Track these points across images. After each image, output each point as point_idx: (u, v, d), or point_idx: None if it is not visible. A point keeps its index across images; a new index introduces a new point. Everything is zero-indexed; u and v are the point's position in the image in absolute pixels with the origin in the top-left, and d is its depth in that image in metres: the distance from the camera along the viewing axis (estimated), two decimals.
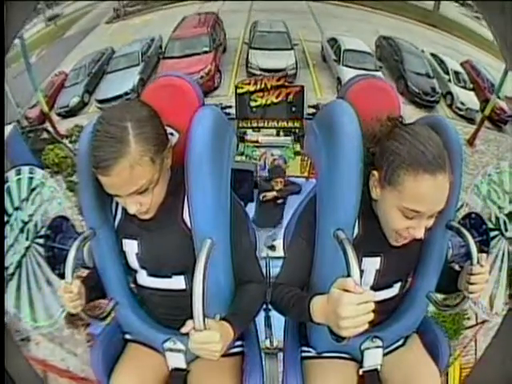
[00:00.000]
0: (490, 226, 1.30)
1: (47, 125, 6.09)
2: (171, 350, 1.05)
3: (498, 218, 1.31)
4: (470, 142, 6.46)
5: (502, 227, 1.29)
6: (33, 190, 1.20)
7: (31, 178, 1.20)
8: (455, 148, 0.94)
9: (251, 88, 4.10)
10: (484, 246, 1.28)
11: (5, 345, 0.99)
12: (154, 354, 1.08)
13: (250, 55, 7.01)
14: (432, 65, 7.32)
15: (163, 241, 0.97)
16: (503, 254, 1.28)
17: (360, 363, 1.07)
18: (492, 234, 1.29)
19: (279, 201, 3.55)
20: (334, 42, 7.31)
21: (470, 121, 6.77)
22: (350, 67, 6.81)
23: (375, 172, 0.89)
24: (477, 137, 6.48)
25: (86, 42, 7.67)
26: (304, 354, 1.12)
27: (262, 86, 4.13)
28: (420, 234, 0.87)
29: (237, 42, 7.48)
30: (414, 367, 1.06)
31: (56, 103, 6.73)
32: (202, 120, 0.94)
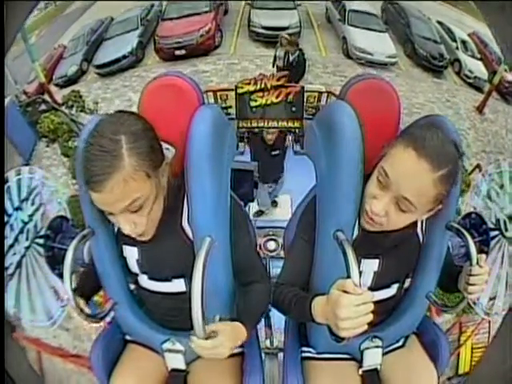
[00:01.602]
0: (490, 225, 1.31)
1: (45, 96, 6.00)
2: (170, 350, 1.05)
3: (498, 218, 1.31)
4: (480, 109, 6.31)
5: (502, 227, 1.29)
6: (33, 190, 1.20)
7: (31, 178, 1.20)
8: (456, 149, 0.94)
9: (251, 88, 4.10)
10: (484, 245, 1.28)
11: (5, 345, 0.99)
12: (154, 354, 1.08)
13: (253, 14, 6.89)
14: (439, 31, 7.19)
15: (163, 248, 0.97)
16: (503, 254, 1.28)
17: (360, 363, 1.07)
18: (492, 233, 1.30)
19: (274, 152, 3.51)
20: (338, 3, 7.14)
21: (478, 89, 6.65)
22: (356, 27, 6.71)
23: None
24: (486, 105, 6.35)
25: (86, 16, 7.51)
26: (304, 354, 1.12)
27: (262, 85, 4.13)
28: (375, 207, 0.85)
29: (239, 4, 7.36)
30: (412, 368, 1.06)
31: (54, 74, 6.55)
32: (202, 119, 0.93)
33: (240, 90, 4.08)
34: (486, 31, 6.98)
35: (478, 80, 6.70)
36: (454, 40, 7.09)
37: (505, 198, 1.30)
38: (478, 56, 6.95)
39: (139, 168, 0.79)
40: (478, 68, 6.79)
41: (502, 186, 1.32)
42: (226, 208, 0.98)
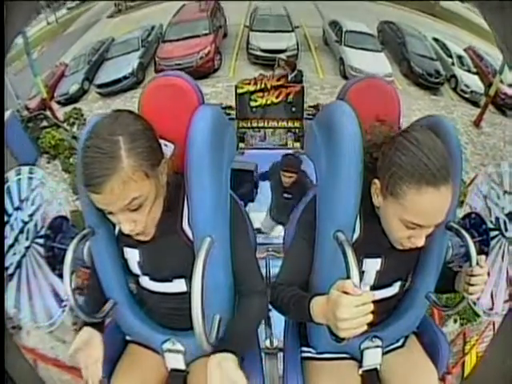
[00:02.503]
0: (490, 225, 1.30)
1: (47, 112, 6.07)
2: (170, 350, 1.05)
3: (498, 218, 1.31)
4: (476, 123, 6.37)
5: (502, 227, 1.29)
6: (33, 190, 1.20)
7: (31, 178, 1.20)
8: (455, 148, 0.94)
9: (251, 88, 4.10)
10: (484, 245, 1.28)
11: (5, 345, 0.99)
12: (154, 354, 1.08)
13: (251, 37, 6.97)
14: (435, 48, 7.27)
15: (164, 250, 0.97)
16: (503, 254, 1.28)
17: (360, 363, 1.07)
18: (492, 233, 1.29)
19: (287, 195, 3.48)
20: (335, 24, 7.27)
21: (475, 104, 6.72)
22: (352, 47, 6.79)
23: (377, 181, 0.88)
24: (482, 119, 6.42)
25: (88, 36, 7.66)
26: (304, 354, 1.12)
27: (262, 86, 4.13)
28: (421, 242, 0.87)
29: (237, 28, 7.47)
30: (412, 368, 1.06)
31: (56, 92, 6.64)
32: (202, 118, 0.93)
33: (240, 90, 4.08)
34: (481, 45, 7.09)
35: (475, 94, 6.77)
36: (450, 56, 7.16)
37: (505, 197, 1.30)
38: (474, 70, 7.03)
39: (138, 168, 0.79)
40: (475, 82, 6.86)
41: (502, 186, 1.32)
42: (226, 208, 0.98)
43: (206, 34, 6.96)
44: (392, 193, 0.84)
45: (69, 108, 6.20)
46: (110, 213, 0.83)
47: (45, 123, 5.73)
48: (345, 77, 6.61)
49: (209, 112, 0.95)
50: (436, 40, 7.44)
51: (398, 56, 7.06)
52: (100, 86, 6.69)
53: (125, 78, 6.60)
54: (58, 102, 6.55)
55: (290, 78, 4.51)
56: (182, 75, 1.02)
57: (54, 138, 5.36)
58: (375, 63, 6.71)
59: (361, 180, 0.91)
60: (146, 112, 1.00)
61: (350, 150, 0.90)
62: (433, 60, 7.08)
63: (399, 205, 0.83)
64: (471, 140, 6.08)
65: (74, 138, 5.49)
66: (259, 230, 3.73)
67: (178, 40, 6.97)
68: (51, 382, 2.90)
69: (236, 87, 4.03)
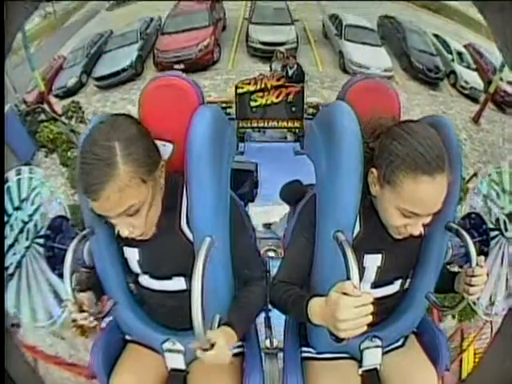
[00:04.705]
0: (490, 226, 1.30)
1: (44, 106, 6.04)
2: (170, 350, 1.06)
3: (498, 218, 1.31)
4: (475, 119, 6.37)
5: (502, 227, 1.29)
6: (33, 190, 1.19)
7: (31, 178, 1.20)
8: (454, 148, 0.94)
9: (251, 88, 4.11)
10: (484, 246, 1.28)
11: (5, 345, 0.99)
12: (154, 354, 1.08)
13: (250, 30, 6.97)
14: (435, 44, 7.27)
15: (163, 249, 0.97)
16: (503, 254, 1.28)
17: (360, 363, 1.08)
18: (492, 234, 1.29)
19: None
20: (335, 18, 7.26)
21: (474, 100, 6.73)
22: (352, 41, 6.78)
23: (374, 170, 0.89)
24: (481, 116, 6.41)
25: (86, 29, 7.60)
26: (304, 354, 1.12)
27: (262, 85, 4.14)
28: (417, 231, 0.88)
29: (237, 21, 7.47)
30: (412, 368, 1.06)
31: (54, 85, 6.60)
32: (202, 118, 0.93)
33: (240, 90, 4.08)
34: (481, 42, 7.11)
35: (474, 91, 6.78)
36: (450, 52, 7.18)
37: (505, 198, 1.30)
38: (474, 67, 7.05)
39: (134, 175, 0.79)
40: (474, 79, 6.88)
41: (502, 186, 1.31)
42: (226, 208, 0.98)
43: (205, 27, 6.93)
44: (389, 181, 0.85)
45: (67, 101, 6.15)
46: (108, 217, 0.83)
47: (43, 117, 5.68)
48: (344, 70, 6.60)
49: (209, 112, 0.95)
50: (436, 36, 7.44)
51: (397, 51, 7.05)
52: (98, 79, 6.64)
53: (123, 70, 6.57)
54: (56, 96, 6.51)
55: (290, 73, 4.51)
56: (182, 75, 1.03)
57: (52, 131, 5.33)
58: (375, 58, 6.70)
59: (361, 179, 0.91)
60: (146, 112, 1.00)
61: (350, 150, 0.90)
62: (433, 55, 7.08)
63: (396, 193, 0.85)
64: (470, 136, 6.07)
65: (73, 131, 5.46)
66: (267, 225, 3.74)
67: (177, 32, 6.92)
68: (51, 380, 2.90)
69: (236, 87, 4.03)
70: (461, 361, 3.03)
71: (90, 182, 0.76)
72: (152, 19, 7.37)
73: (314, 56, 7.02)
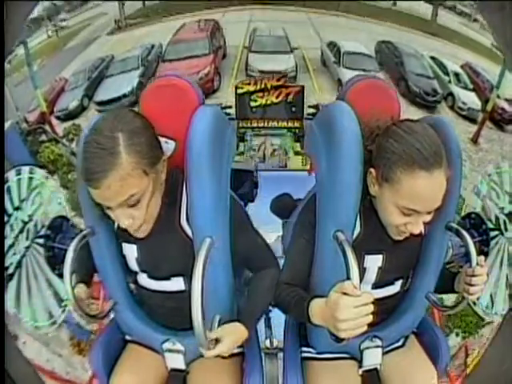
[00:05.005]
0: (490, 225, 1.30)
1: (46, 126, 6.09)
2: (170, 350, 1.05)
3: (497, 218, 1.31)
4: (474, 140, 6.43)
5: (502, 227, 1.29)
6: (33, 189, 1.20)
7: (31, 178, 1.20)
8: (454, 146, 0.94)
9: (251, 88, 4.10)
10: (484, 245, 1.28)
11: (5, 345, 0.99)
12: (154, 354, 1.08)
13: (250, 58, 7.04)
14: (432, 67, 7.38)
15: (162, 246, 0.97)
16: (503, 254, 1.28)
17: (360, 363, 1.07)
18: (492, 233, 1.29)
19: None
20: (333, 45, 7.39)
21: (473, 121, 6.79)
22: (350, 68, 6.83)
23: (372, 170, 0.90)
24: (480, 135, 6.48)
25: (88, 52, 7.75)
26: (304, 355, 1.12)
27: (262, 86, 4.13)
28: (417, 229, 0.87)
29: (237, 49, 7.56)
30: (412, 368, 1.06)
31: (55, 107, 6.70)
32: (202, 118, 0.93)
33: (240, 91, 4.08)
34: (478, 61, 7.15)
35: (472, 111, 6.82)
36: (447, 73, 7.26)
37: (505, 198, 1.30)
38: (471, 87, 7.13)
39: (136, 165, 0.80)
40: (472, 99, 6.93)
41: (501, 186, 1.31)
42: (225, 208, 0.98)
43: (205, 55, 6.99)
44: (387, 179, 0.85)
45: (68, 124, 6.24)
46: (109, 208, 0.84)
47: (44, 137, 5.74)
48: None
49: (209, 112, 0.95)
50: (433, 58, 7.55)
51: (395, 76, 7.15)
52: (99, 104, 6.72)
53: (124, 96, 6.64)
54: (58, 118, 6.61)
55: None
56: (182, 76, 1.03)
57: (53, 152, 5.35)
58: None
59: (361, 179, 0.91)
60: (146, 112, 1.00)
61: (349, 150, 0.90)
62: (430, 78, 7.16)
63: (394, 191, 0.85)
64: (469, 157, 6.11)
65: (73, 154, 5.48)
66: None
67: (177, 60, 7.01)
68: None
69: (236, 87, 4.02)
70: (465, 377, 3.04)
71: (93, 169, 0.77)
72: (153, 46, 7.45)
73: (312, 85, 7.06)
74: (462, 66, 7.37)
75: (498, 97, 6.38)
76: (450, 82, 7.13)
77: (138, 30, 8.34)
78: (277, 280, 1.01)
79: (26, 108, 6.23)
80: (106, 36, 8.26)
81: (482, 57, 7.05)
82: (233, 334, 0.89)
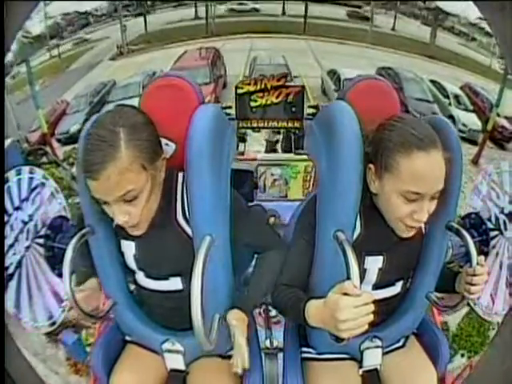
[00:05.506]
0: (490, 226, 1.30)
1: (46, 148, 6.10)
2: (170, 351, 1.05)
3: (497, 218, 1.30)
4: (475, 161, 6.50)
5: (502, 227, 1.29)
6: (33, 190, 1.19)
7: (31, 178, 1.20)
8: (455, 147, 0.94)
9: (251, 88, 4.08)
10: (484, 245, 1.28)
11: (5, 345, 0.99)
12: (153, 354, 1.08)
13: None
14: (432, 90, 7.42)
15: (159, 243, 0.97)
16: (503, 254, 1.28)
17: (360, 363, 1.07)
18: (492, 233, 1.29)
19: None
20: (333, 73, 7.47)
21: (473, 142, 6.82)
22: None
23: (371, 165, 0.90)
24: (481, 156, 6.52)
25: (90, 76, 7.80)
26: (304, 355, 1.12)
27: (262, 86, 4.11)
28: (424, 216, 0.87)
29: (237, 79, 7.59)
30: (412, 368, 1.06)
31: (57, 129, 6.76)
32: (202, 117, 0.94)
33: (240, 91, 4.07)
34: (477, 81, 7.16)
35: (473, 132, 6.87)
36: (447, 96, 7.33)
37: (505, 198, 1.30)
38: (471, 108, 7.17)
39: (135, 160, 0.81)
40: (472, 120, 6.99)
41: (501, 186, 1.31)
42: (225, 206, 0.98)
43: (206, 83, 7.01)
44: (386, 167, 0.86)
45: (69, 148, 6.27)
46: (106, 203, 0.84)
47: (44, 159, 5.76)
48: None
49: (209, 112, 0.96)
50: (433, 81, 7.57)
51: None
52: None
53: None
54: (59, 140, 6.68)
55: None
56: (182, 76, 1.03)
57: (54, 175, 5.35)
58: None
59: (361, 179, 0.91)
60: (146, 112, 1.00)
61: (350, 150, 0.90)
62: (430, 102, 7.24)
63: (395, 177, 0.85)
64: (470, 178, 6.11)
65: (73, 178, 5.46)
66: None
67: None
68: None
69: (236, 87, 4.02)
70: None
71: (92, 161, 0.79)
72: (154, 73, 7.47)
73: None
74: (461, 88, 7.41)
75: (498, 115, 6.41)
76: (450, 104, 7.19)
77: (139, 56, 8.39)
78: (281, 262, 1.02)
79: (27, 127, 6.25)
80: (108, 61, 8.30)
81: (481, 76, 7.07)
82: (239, 327, 0.92)
